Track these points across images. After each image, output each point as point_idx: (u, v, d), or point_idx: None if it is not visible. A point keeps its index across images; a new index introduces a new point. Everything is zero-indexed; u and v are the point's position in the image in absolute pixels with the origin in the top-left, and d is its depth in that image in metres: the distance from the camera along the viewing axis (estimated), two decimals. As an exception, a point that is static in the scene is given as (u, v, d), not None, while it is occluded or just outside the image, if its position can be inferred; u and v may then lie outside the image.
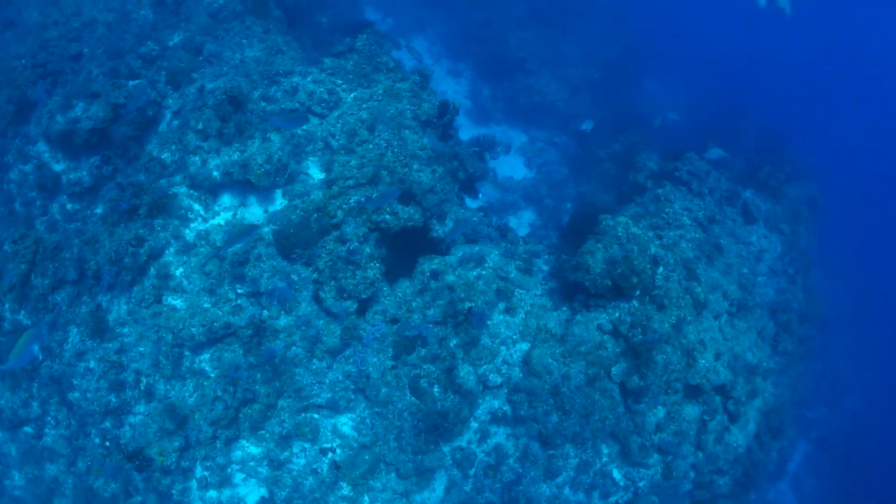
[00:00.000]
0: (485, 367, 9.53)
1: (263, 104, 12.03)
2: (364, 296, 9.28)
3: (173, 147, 10.97)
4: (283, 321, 9.47)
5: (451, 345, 9.49)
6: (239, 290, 9.50)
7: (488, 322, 9.61)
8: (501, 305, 9.96)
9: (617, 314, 10.02)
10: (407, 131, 10.95)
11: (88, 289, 9.91)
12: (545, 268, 10.88)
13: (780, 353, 12.85)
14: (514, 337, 9.88)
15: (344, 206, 9.64)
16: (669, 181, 13.26)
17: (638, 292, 10.07)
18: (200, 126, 10.87)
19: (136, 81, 12.10)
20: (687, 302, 10.33)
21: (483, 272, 10.04)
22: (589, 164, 15.89)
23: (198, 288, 9.52)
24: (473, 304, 9.52)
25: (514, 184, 16.29)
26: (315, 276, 9.28)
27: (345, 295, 9.23)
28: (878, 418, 20.70)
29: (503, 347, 9.77)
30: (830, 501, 18.56)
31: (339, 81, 12.59)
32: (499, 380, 9.59)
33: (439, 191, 10.25)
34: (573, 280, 10.03)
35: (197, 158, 10.82)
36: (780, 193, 14.77)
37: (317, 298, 9.49)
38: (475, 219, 10.84)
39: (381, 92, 11.79)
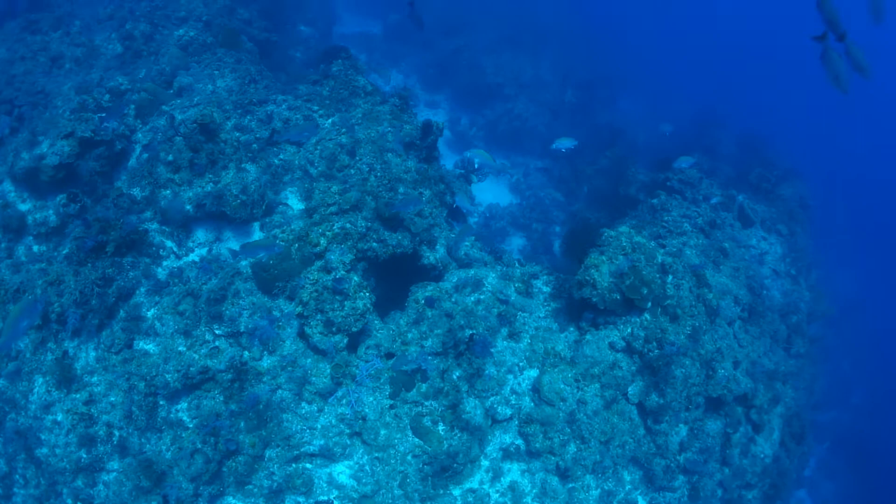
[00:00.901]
0: (492, 398, 8.82)
1: (237, 134, 11.44)
2: (354, 329, 8.48)
3: (143, 182, 10.35)
4: (267, 362, 8.68)
5: (454, 377, 8.75)
6: (217, 331, 8.72)
7: (492, 350, 8.93)
8: (504, 331, 9.30)
9: (629, 329, 9.42)
10: (390, 154, 10.40)
11: (54, 334, 9.11)
12: (546, 289, 10.28)
13: (794, 355, 12.50)
14: (521, 364, 9.20)
15: (327, 232, 8.96)
16: (662, 191, 12.98)
17: (649, 304, 9.49)
18: (171, 157, 10.26)
19: (104, 114, 11.47)
20: (700, 310, 9.80)
21: (482, 297, 9.39)
22: (577, 183, 15.56)
23: (171, 330, 8.74)
24: (474, 332, 8.84)
25: (500, 210, 15.78)
26: (299, 309, 8.49)
27: (333, 329, 8.44)
28: (884, 412, 20.30)
29: (510, 376, 9.07)
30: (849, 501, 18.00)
31: (316, 107, 12.08)
32: (508, 412, 8.87)
33: (428, 215, 9.65)
34: (579, 297, 9.42)
35: (168, 192, 10.17)
36: (773, 195, 14.80)
37: (302, 335, 8.72)
38: (467, 242, 10.23)
39: (360, 115, 11.28)
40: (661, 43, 30.22)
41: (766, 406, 10.41)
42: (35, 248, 10.24)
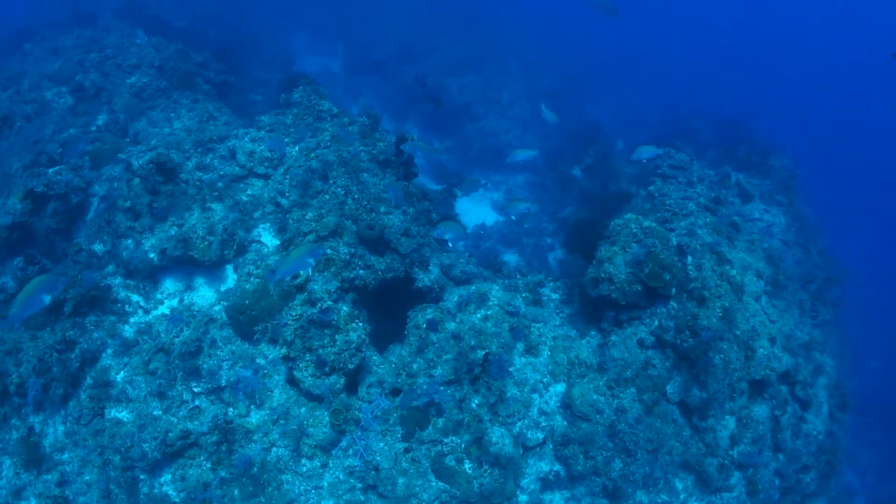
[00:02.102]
0: (520, 423, 7.86)
1: (199, 174, 10.66)
2: (351, 366, 7.51)
3: (102, 234, 9.59)
4: (256, 417, 7.70)
5: (473, 406, 7.80)
6: (195, 388, 7.76)
7: (510, 369, 8.04)
8: (520, 346, 8.43)
9: (656, 322, 8.58)
10: (365, 174, 9.62)
11: (16, 409, 8.22)
12: (555, 296, 9.47)
13: (820, 324, 11.97)
14: (545, 379, 8.31)
15: (308, 262, 8.11)
16: (656, 178, 12.74)
17: (673, 290, 8.68)
18: (128, 203, 9.45)
19: (56, 168, 10.66)
20: (726, 289, 9.03)
21: (489, 312, 8.53)
22: (564, 190, 14.93)
23: (144, 393, 7.76)
24: (488, 351, 7.95)
25: (488, 230, 15.05)
26: (284, 351, 7.52)
27: (326, 369, 7.47)
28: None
29: (535, 395, 8.17)
30: (889, 468, 17.16)
31: (281, 136, 11.31)
32: (540, 436, 7.91)
33: (415, 234, 8.85)
34: (596, 296, 8.62)
35: (129, 242, 9.34)
36: (764, 167, 14.69)
37: (292, 381, 7.74)
38: (462, 259, 9.42)
39: (328, 139, 10.52)
40: (621, 46, 30.35)
41: (810, 379, 9.76)
42: None
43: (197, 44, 15.96)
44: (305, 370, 7.46)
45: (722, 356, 8.50)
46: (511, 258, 14.95)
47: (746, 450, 8.57)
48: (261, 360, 7.79)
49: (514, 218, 12.93)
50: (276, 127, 11.60)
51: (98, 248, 9.58)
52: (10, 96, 13.22)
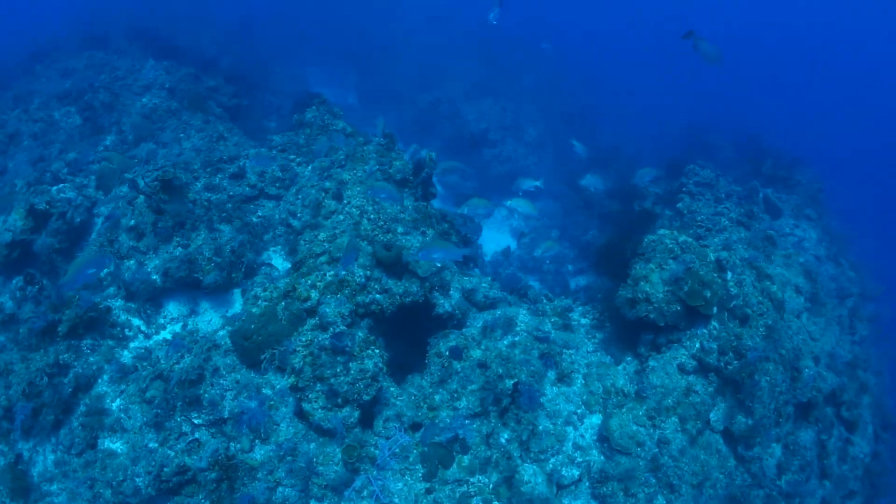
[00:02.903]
0: (553, 459, 7.14)
1: (208, 194, 10.23)
2: (366, 398, 6.83)
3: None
4: (261, 453, 7.03)
5: (502, 441, 7.09)
6: (195, 420, 7.13)
7: (541, 399, 7.38)
8: (551, 374, 7.77)
9: (697, 344, 7.94)
10: (381, 194, 9.11)
11: (4, 434, 7.61)
12: (585, 320, 8.87)
13: (859, 340, 11.41)
14: (580, 410, 7.63)
15: (318, 283, 7.49)
16: (685, 195, 12.37)
17: (715, 309, 8.04)
18: (132, 222, 9.00)
19: (60, 186, 10.27)
20: (767, 306, 8.39)
21: (516, 338, 7.90)
22: (587, 212, 14.44)
23: (139, 423, 7.14)
24: (517, 380, 7.30)
25: (508, 257, 14.51)
26: (292, 380, 6.87)
27: (339, 401, 6.81)
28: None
29: (569, 428, 7.48)
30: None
31: (293, 156, 10.96)
32: (576, 472, 7.17)
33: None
34: (633, 318, 8.01)
35: (132, 262, 8.85)
36: (791, 182, 14.26)
37: (301, 413, 7.09)
38: (485, 283, 8.83)
39: (342, 158, 10.09)
40: (631, 68, 30.20)
41: (855, 399, 9.18)
42: None
43: (210, 69, 15.80)
44: (315, 402, 6.80)
45: (768, 378, 7.85)
46: (532, 286, 14.37)
47: (794, 478, 7.91)
48: (267, 391, 7.18)
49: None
50: (288, 147, 11.22)
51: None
52: (18, 115, 12.99)
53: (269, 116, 16.93)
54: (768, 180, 14.22)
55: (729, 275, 8.45)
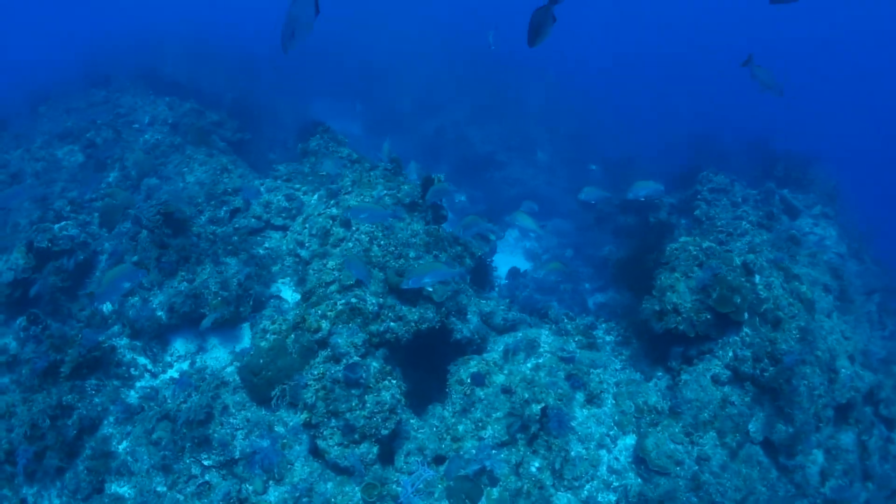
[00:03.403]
0: (588, 486, 6.74)
1: (213, 227, 10.00)
2: (384, 432, 6.45)
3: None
4: (275, 495, 6.64)
5: (533, 470, 6.67)
6: (205, 461, 6.77)
7: (572, 423, 6.99)
8: (580, 396, 7.38)
9: (730, 353, 7.56)
10: (391, 219, 8.84)
11: (8, 478, 7.25)
12: (609, 337, 8.55)
13: (889, 336, 11.20)
14: (612, 432, 7.22)
15: (329, 312, 7.18)
16: (702, 202, 12.08)
17: (746, 315, 7.68)
18: (136, 258, 8.78)
19: (62, 223, 10.07)
20: (798, 307, 8.06)
21: (540, 360, 7.53)
22: (598, 228, 14.15)
23: (146, 466, 6.80)
24: (545, 404, 6.92)
25: (522, 280, 14.19)
26: (305, 416, 6.52)
27: (356, 436, 6.44)
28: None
29: (603, 452, 7.07)
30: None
31: (298, 185, 10.73)
32: (613, 498, 6.76)
33: (450, 279, 7.99)
34: (661, 331, 7.68)
35: (136, 299, 8.55)
36: (805, 181, 14.02)
37: (315, 451, 6.72)
38: (503, 306, 8.51)
39: (349, 184, 9.85)
40: (633, 82, 30.16)
41: (893, 396, 8.74)
42: None
43: (213, 105, 15.74)
44: (331, 438, 6.43)
45: (806, 382, 7.49)
46: (553, 305, 14.04)
47: (838, 484, 7.47)
48: (279, 428, 6.82)
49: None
50: (293, 176, 11.01)
51: (107, 307, 8.86)
52: (20, 154, 12.87)
53: (273, 149, 16.79)
54: (782, 182, 14.02)
55: (757, 278, 8.13)
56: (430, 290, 7.63)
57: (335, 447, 6.45)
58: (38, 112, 14.90)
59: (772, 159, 14.88)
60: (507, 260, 15.00)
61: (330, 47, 25.21)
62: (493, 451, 6.54)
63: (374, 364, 6.73)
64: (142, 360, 8.17)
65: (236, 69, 20.95)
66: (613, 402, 7.45)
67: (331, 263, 8.05)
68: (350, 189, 9.67)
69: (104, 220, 10.44)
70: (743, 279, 7.90)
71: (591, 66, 29.59)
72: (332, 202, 9.47)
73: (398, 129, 21.76)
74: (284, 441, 6.77)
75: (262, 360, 6.82)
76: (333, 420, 6.41)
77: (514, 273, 13.40)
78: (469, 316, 7.98)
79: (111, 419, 7.37)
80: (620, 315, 9.02)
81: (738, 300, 7.56)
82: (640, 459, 7.02)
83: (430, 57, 25.35)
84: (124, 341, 8.35)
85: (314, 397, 6.44)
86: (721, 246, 9.26)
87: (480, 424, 6.84)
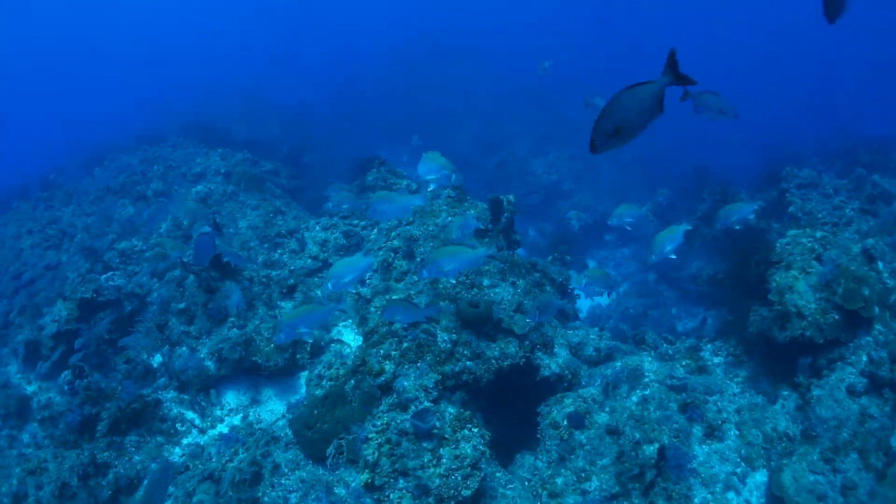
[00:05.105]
0: None
1: (266, 271, 9.26)
2: (466, 492, 5.14)
3: (156, 342, 8.11)
4: (337, 568, 5.56)
5: None
6: (256, 531, 5.76)
7: (692, 464, 5.69)
8: (697, 430, 6.06)
9: (864, 356, 6.28)
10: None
11: (35, 542, 6.47)
12: (717, 358, 7.38)
13: None
14: (739, 469, 5.88)
15: (393, 352, 6.12)
16: (795, 197, 11.21)
17: (876, 309, 6.42)
18: (182, 305, 8.03)
19: (109, 273, 9.56)
20: None
21: (647, 392, 6.27)
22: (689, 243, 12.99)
23: (188, 538, 5.84)
24: (660, 444, 5.68)
25: (604, 310, 12.95)
26: (366, 476, 5.33)
27: (430, 500, 5.18)
28: None
29: (731, 494, 5.71)
30: None
31: (356, 221, 9.90)
32: None
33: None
34: (786, 340, 6.51)
35: (184, 349, 7.78)
36: (892, 164, 13.17)
37: (383, 518, 5.60)
38: (593, 335, 7.31)
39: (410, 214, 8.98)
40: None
41: None
42: (41, 434, 8.06)
43: (267, 156, 15.46)
44: (400, 502, 5.29)
45: None
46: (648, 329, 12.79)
47: None
48: (340, 491, 5.73)
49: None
50: (351, 212, 10.24)
51: (156, 359, 8.16)
52: (72, 210, 12.66)
53: (328, 188, 16.37)
54: (868, 167, 12.88)
55: (880, 265, 6.85)
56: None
57: (405, 512, 5.29)
58: (94, 174, 14.86)
59: (850, 146, 14.18)
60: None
61: (385, 95, 25.10)
62: (604, 507, 5.26)
63: (450, 410, 5.60)
64: (189, 415, 7.35)
65: (291, 120, 20.89)
66: (737, 432, 6.16)
67: (396, 297, 7.09)
68: (412, 219, 8.77)
69: (154, 271, 9.90)
70: (866, 268, 6.72)
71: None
72: (392, 234, 8.58)
73: (460, 167, 21.04)
74: (346, 505, 5.69)
75: (316, 411, 5.81)
76: (402, 480, 5.24)
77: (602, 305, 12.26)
78: (556, 349, 6.81)
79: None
80: (729, 331, 7.82)
81: (867, 292, 6.37)
82: (775, 499, 5.66)
83: (487, 95, 24.85)
84: (171, 394, 7.60)
85: (376, 453, 5.30)
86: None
87: (583, 475, 5.55)
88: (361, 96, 24.89)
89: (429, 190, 8.62)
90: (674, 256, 7.41)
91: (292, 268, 9.54)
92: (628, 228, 9.09)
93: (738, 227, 8.57)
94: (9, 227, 12.99)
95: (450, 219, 8.37)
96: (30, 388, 8.74)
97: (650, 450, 5.64)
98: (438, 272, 5.20)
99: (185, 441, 7.05)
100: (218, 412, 7.45)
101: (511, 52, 28.80)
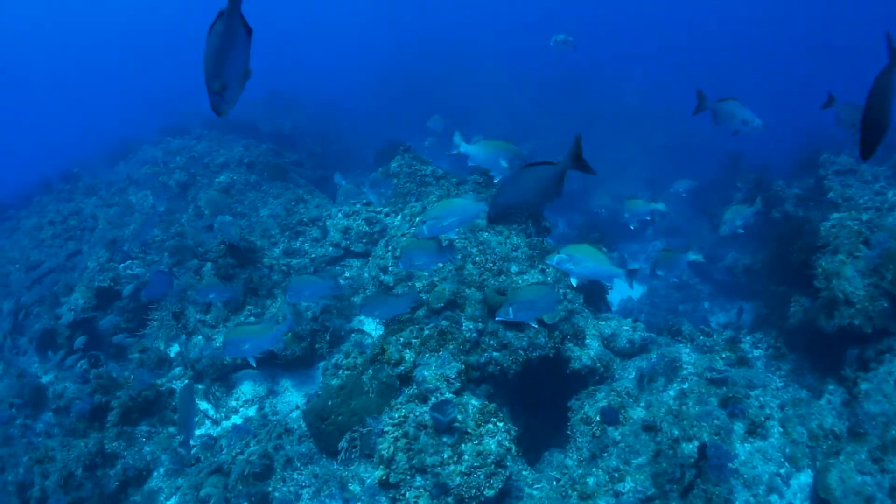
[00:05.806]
0: None
1: (287, 260, 9.00)
2: (489, 492, 4.69)
3: (173, 331, 7.91)
4: (353, 570, 5.21)
5: None
6: (267, 528, 5.44)
7: (733, 463, 5.24)
8: (738, 427, 5.58)
9: None
10: (485, 233, 7.45)
11: (41, 531, 6.27)
12: (757, 351, 6.98)
13: None
14: (784, 470, 5.39)
15: (413, 340, 5.75)
16: (833, 184, 10.55)
17: None
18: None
19: (127, 262, 9.38)
20: None
21: (685, 385, 5.80)
22: (713, 237, 12.51)
23: (195, 532, 5.55)
24: (701, 442, 5.22)
25: (635, 303, 12.46)
26: (381, 473, 4.89)
27: (450, 500, 4.75)
28: None
29: (774, 497, 5.23)
30: None
31: (379, 208, 9.58)
32: None
33: (562, 298, 6.46)
34: (833, 329, 6.09)
35: (199, 338, 7.55)
36: None
37: (400, 518, 5.21)
38: (627, 326, 6.86)
39: (434, 200, 8.66)
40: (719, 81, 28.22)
41: None
42: (55, 423, 7.88)
43: (292, 148, 15.29)
44: (416, 502, 4.88)
45: None
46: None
47: None
48: (355, 487, 5.38)
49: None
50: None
51: (160, 345, 7.95)
52: (94, 202, 12.58)
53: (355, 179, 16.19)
54: None
55: None
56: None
57: (423, 512, 4.89)
58: (117, 169, 14.81)
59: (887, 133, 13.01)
60: (615, 284, 13.40)
61: (412, 91, 24.86)
62: (639, 510, 4.81)
63: (474, 402, 5.18)
64: (204, 406, 7.08)
65: (316, 114, 20.72)
66: (781, 430, 5.67)
67: (418, 284, 6.72)
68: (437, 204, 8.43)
69: (174, 260, 9.70)
70: None
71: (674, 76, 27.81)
72: (417, 220, 8.24)
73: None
74: (359, 502, 5.33)
75: (331, 402, 5.45)
76: (419, 478, 4.82)
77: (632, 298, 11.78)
78: (588, 340, 6.36)
79: (161, 470, 6.27)
80: (769, 322, 7.36)
81: (918, 278, 5.83)
82: (821, 502, 5.16)
83: (513, 89, 24.45)
84: (185, 384, 7.33)
85: (392, 448, 4.90)
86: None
87: (617, 475, 5.08)
88: (386, 90, 24.66)
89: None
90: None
91: (313, 256, 9.30)
92: (635, 226, 8.72)
93: (742, 233, 8.17)
94: (30, 219, 12.98)
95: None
96: (45, 378, 8.61)
97: (689, 448, 5.17)
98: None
99: (197, 432, 6.78)
100: (233, 403, 7.18)
101: (541, 46, 28.46)
